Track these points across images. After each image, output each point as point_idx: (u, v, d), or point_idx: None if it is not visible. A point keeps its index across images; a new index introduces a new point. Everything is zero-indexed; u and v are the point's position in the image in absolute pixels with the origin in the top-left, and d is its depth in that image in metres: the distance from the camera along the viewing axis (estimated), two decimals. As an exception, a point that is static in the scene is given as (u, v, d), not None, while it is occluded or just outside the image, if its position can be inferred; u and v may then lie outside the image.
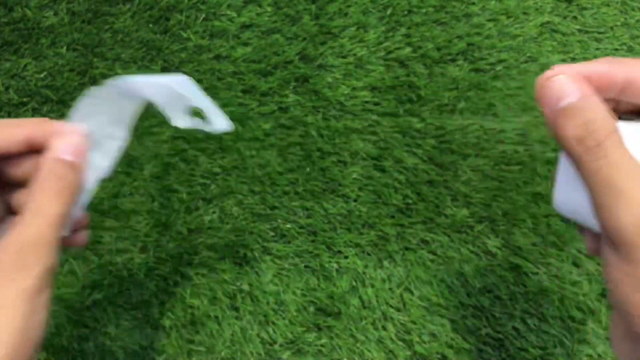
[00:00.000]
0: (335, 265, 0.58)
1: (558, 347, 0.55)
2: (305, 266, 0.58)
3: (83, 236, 0.33)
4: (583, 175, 0.23)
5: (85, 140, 0.29)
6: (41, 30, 0.69)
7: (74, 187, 0.28)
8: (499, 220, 0.58)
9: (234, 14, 0.69)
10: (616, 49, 0.65)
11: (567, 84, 0.23)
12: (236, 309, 0.57)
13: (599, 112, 0.23)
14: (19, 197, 0.30)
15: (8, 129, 0.28)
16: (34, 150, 0.28)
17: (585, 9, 0.67)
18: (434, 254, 0.58)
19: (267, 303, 0.56)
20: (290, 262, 0.58)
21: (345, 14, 0.68)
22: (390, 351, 0.55)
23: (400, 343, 0.55)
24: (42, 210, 0.26)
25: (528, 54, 0.65)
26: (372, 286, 0.57)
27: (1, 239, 0.26)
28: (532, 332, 0.55)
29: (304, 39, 0.67)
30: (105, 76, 0.67)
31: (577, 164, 0.23)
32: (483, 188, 0.59)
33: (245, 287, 0.56)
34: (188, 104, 0.30)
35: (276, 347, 0.55)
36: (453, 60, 0.65)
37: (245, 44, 0.67)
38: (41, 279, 0.26)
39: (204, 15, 0.69)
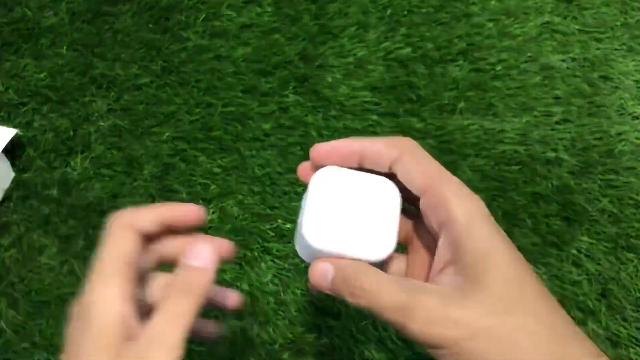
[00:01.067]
0: (335, 265, 0.58)
1: (558, 347, 0.55)
2: (306, 266, 0.58)
3: (212, 328, 0.38)
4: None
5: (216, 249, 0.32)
6: (41, 30, 0.69)
7: (202, 292, 0.30)
8: (499, 221, 0.58)
9: (234, 14, 0.69)
10: (616, 49, 0.65)
11: (323, 265, 0.31)
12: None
13: (348, 266, 0.30)
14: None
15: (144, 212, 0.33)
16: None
17: (585, 9, 0.67)
18: (434, 254, 0.58)
19: (267, 303, 0.56)
20: (290, 262, 0.58)
21: (345, 14, 0.68)
22: (390, 351, 0.55)
23: (400, 343, 0.55)
24: (171, 311, 0.29)
25: (528, 54, 0.65)
26: (372, 286, 0.57)
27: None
28: (532, 332, 0.55)
29: (304, 39, 0.67)
30: (105, 76, 0.67)
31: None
32: (483, 188, 0.59)
33: (246, 287, 0.56)
34: None
35: (276, 347, 0.55)
36: (453, 60, 0.65)
37: (245, 44, 0.67)
38: None
39: (204, 15, 0.69)
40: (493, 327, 0.26)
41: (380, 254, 0.31)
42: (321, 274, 0.31)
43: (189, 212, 0.34)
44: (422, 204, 0.31)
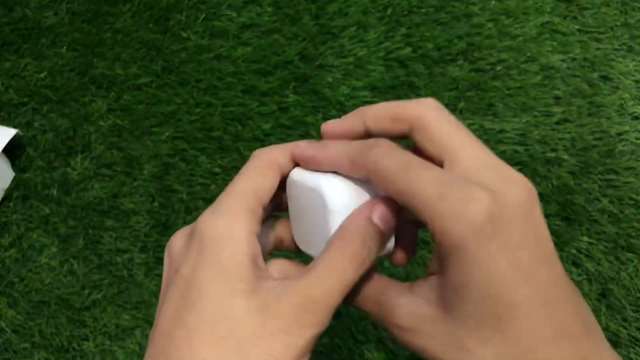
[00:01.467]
0: (335, 265, 0.58)
1: (558, 347, 0.55)
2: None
3: None
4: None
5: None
6: (41, 30, 0.69)
7: (372, 257, 0.25)
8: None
9: (234, 14, 0.69)
10: (616, 49, 0.65)
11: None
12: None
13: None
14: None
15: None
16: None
17: (585, 9, 0.67)
18: (434, 254, 0.58)
19: (267, 303, 0.56)
20: (290, 262, 0.58)
21: (345, 14, 0.68)
22: (390, 351, 0.55)
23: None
24: (337, 271, 0.24)
25: (528, 54, 0.65)
26: (372, 286, 0.57)
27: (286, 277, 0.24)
28: (532, 332, 0.56)
29: (304, 39, 0.67)
30: (105, 76, 0.67)
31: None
32: (483, 188, 0.59)
33: (245, 287, 0.56)
34: None
35: (276, 347, 0.55)
36: (453, 60, 0.65)
37: (245, 44, 0.67)
38: (311, 343, 0.23)
39: (204, 15, 0.69)
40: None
41: None
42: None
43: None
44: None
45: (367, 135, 0.28)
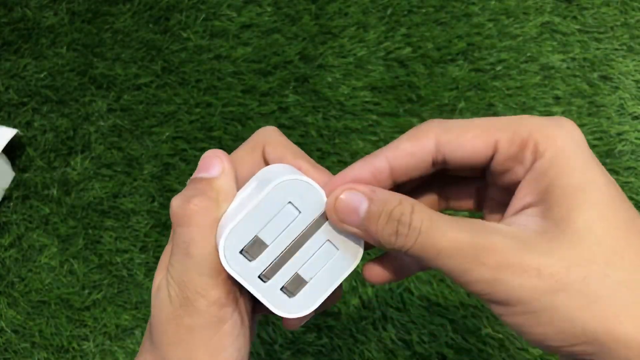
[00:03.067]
0: (335, 265, 0.58)
1: (558, 347, 0.55)
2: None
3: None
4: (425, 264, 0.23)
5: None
6: (41, 30, 0.69)
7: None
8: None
9: (234, 14, 0.69)
10: (616, 49, 0.65)
11: (353, 195, 0.23)
12: (236, 309, 0.57)
13: (390, 198, 0.23)
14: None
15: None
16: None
17: (585, 9, 0.67)
18: (434, 254, 0.58)
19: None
20: (290, 262, 0.58)
21: (345, 14, 0.68)
22: (390, 351, 0.55)
23: (400, 343, 0.55)
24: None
25: (528, 54, 0.65)
26: (372, 286, 0.57)
27: None
28: (532, 332, 0.55)
29: (304, 39, 0.67)
30: (105, 76, 0.67)
31: (408, 255, 0.22)
32: (483, 188, 0.59)
33: (245, 287, 0.56)
34: None
35: (276, 347, 0.55)
36: (453, 60, 0.65)
37: (245, 44, 0.67)
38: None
39: (204, 15, 0.69)
40: (589, 280, 0.20)
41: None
42: (350, 205, 0.23)
43: None
44: (496, 160, 0.23)
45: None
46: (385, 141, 0.61)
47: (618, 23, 0.66)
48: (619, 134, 0.61)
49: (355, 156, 0.61)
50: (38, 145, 0.64)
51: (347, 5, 0.68)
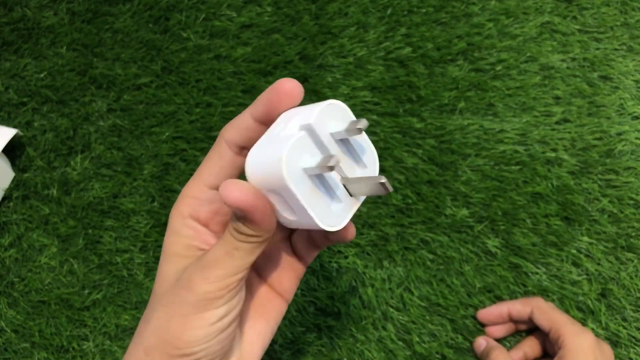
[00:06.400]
0: (335, 265, 0.58)
1: (558, 347, 0.55)
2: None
3: None
4: None
5: None
6: (41, 30, 0.69)
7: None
8: (498, 220, 0.58)
9: (234, 14, 0.69)
10: (616, 49, 0.65)
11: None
12: (236, 309, 0.57)
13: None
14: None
15: None
16: None
17: (585, 9, 0.67)
18: (434, 254, 0.58)
19: (267, 303, 0.56)
20: (290, 262, 0.57)
21: (345, 14, 0.68)
22: (390, 351, 0.55)
23: (400, 343, 0.55)
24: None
25: (528, 54, 0.65)
26: (372, 286, 0.57)
27: None
28: (532, 332, 0.55)
29: (304, 39, 0.67)
30: (105, 76, 0.67)
31: None
32: (483, 188, 0.59)
33: (245, 287, 0.56)
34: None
35: (276, 347, 0.55)
36: (453, 60, 0.65)
37: (245, 44, 0.67)
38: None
39: (204, 15, 0.69)
40: None
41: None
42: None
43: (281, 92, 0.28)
44: (550, 337, 0.49)
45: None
46: (386, 141, 0.61)
47: (618, 23, 0.66)
48: (619, 134, 0.61)
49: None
50: (38, 145, 0.64)
51: (347, 5, 0.68)
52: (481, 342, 0.53)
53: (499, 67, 0.64)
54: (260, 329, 0.31)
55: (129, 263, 0.59)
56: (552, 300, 0.55)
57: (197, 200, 0.29)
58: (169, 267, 0.29)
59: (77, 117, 0.65)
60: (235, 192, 0.25)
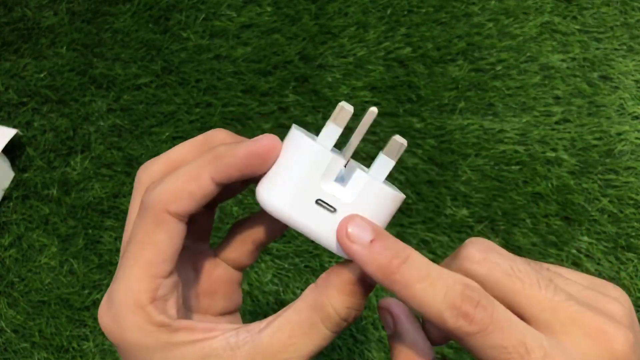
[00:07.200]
0: (335, 265, 0.58)
1: (558, 347, 0.55)
2: (305, 266, 0.58)
3: None
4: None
5: None
6: (41, 30, 0.69)
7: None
8: (498, 220, 0.58)
9: (234, 14, 0.69)
10: (616, 49, 0.65)
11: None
12: (236, 309, 0.57)
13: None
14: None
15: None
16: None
17: (585, 9, 0.67)
18: (434, 254, 0.58)
19: (267, 303, 0.56)
20: (290, 262, 0.57)
21: (345, 14, 0.68)
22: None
23: (400, 343, 0.55)
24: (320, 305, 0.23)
25: (528, 54, 0.65)
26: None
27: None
28: (532, 332, 0.55)
29: (304, 39, 0.67)
30: (105, 76, 0.67)
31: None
32: (483, 188, 0.59)
33: (245, 287, 0.56)
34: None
35: (276, 347, 0.55)
36: (453, 60, 0.65)
37: (245, 44, 0.67)
38: None
39: (204, 15, 0.69)
40: None
41: None
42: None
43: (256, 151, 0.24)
44: None
45: None
46: (385, 141, 0.61)
47: (618, 23, 0.66)
48: (619, 134, 0.61)
49: (354, 156, 0.61)
50: (38, 145, 0.64)
51: (347, 5, 0.68)
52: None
53: (499, 67, 0.64)
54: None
55: (129, 263, 0.59)
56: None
57: (153, 297, 0.24)
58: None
59: (77, 117, 0.65)
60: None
